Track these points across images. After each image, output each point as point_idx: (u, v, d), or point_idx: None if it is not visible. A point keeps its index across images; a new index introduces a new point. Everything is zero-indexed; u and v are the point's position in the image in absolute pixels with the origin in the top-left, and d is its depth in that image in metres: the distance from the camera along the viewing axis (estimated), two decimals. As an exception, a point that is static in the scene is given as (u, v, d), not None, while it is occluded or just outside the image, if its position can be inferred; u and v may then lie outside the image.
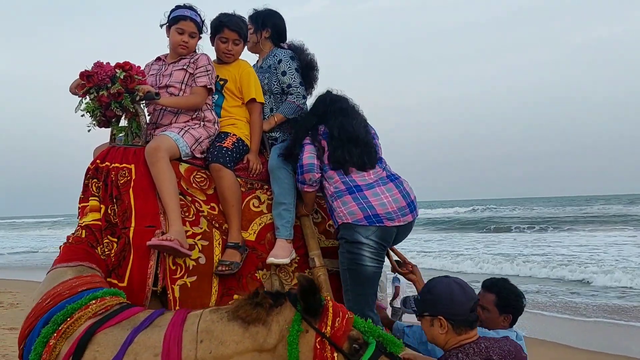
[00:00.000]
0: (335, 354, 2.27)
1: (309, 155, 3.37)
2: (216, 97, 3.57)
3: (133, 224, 2.96)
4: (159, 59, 3.60)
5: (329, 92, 3.64)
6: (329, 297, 2.46)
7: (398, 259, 3.72)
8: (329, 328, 2.30)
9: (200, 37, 3.51)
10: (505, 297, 3.04)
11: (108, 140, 3.35)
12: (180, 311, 2.50)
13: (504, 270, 13.51)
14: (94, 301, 2.53)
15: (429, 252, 17.98)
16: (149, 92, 3.13)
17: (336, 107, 3.52)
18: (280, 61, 3.74)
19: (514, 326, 3.08)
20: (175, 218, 2.99)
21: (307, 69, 3.82)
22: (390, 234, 3.30)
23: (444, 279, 2.58)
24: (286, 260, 3.27)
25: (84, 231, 2.98)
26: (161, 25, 3.50)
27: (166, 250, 2.92)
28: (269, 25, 3.85)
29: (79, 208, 3.12)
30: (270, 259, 3.24)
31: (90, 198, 3.07)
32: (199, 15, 3.47)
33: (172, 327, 2.37)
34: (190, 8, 3.46)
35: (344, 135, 3.39)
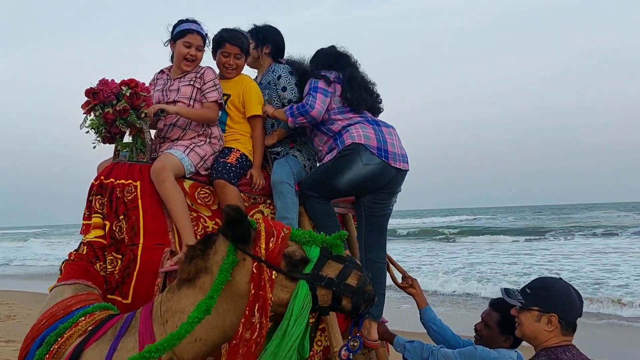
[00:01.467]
0: (274, 275, 2.25)
1: (322, 102, 3.48)
2: (220, 113, 3.58)
3: (141, 241, 2.96)
4: (162, 72, 3.61)
5: (333, 47, 3.75)
6: (260, 219, 2.42)
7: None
8: (263, 250, 2.27)
9: (204, 51, 3.52)
10: (508, 319, 3.05)
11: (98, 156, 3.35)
12: (147, 306, 2.49)
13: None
14: (83, 318, 2.52)
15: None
16: (157, 111, 3.16)
17: (344, 60, 3.68)
18: (279, 77, 3.77)
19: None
20: (188, 235, 3.01)
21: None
22: (387, 175, 3.45)
23: (560, 280, 2.62)
24: None
25: (85, 247, 2.98)
26: (166, 41, 3.52)
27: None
28: (270, 41, 3.89)
29: (82, 225, 3.12)
30: None
31: (93, 215, 3.07)
32: (203, 28, 3.49)
33: (142, 322, 2.38)
34: (194, 22, 3.48)
35: (362, 83, 3.61)
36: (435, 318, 3.49)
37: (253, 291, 2.22)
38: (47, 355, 2.41)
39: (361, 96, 3.56)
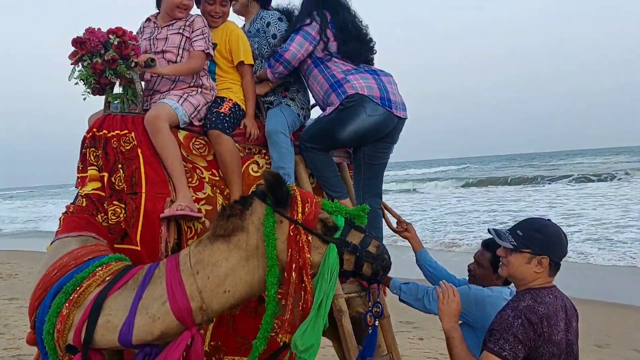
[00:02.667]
0: (310, 237, 2.44)
1: (298, 44, 3.45)
2: (208, 63, 3.50)
3: (144, 190, 2.96)
4: (149, 20, 3.50)
5: None
6: (294, 186, 2.60)
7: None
8: (300, 214, 2.45)
9: None
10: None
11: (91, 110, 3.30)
12: (171, 258, 2.58)
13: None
14: (100, 268, 2.57)
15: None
16: (147, 60, 3.07)
17: (334, 1, 3.56)
18: (268, 24, 3.68)
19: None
20: (182, 184, 3.03)
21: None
22: (390, 124, 3.48)
23: (550, 222, 2.62)
24: None
25: (84, 200, 2.97)
26: None
27: (179, 218, 2.97)
28: None
29: (77, 178, 3.09)
30: None
31: (89, 168, 3.04)
32: None
33: (170, 273, 2.47)
34: None
35: (353, 31, 3.52)
36: (431, 260, 3.54)
37: (291, 251, 2.41)
38: (67, 303, 2.45)
39: (356, 47, 3.52)
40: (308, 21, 3.47)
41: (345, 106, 3.38)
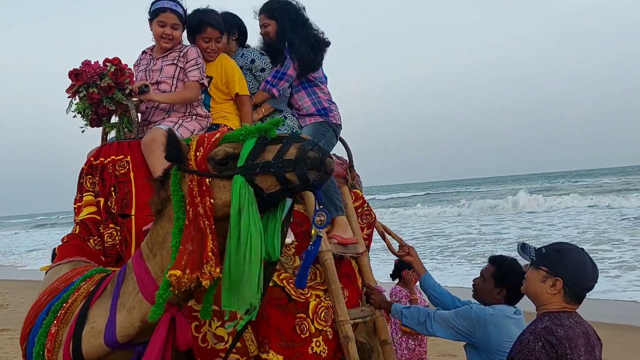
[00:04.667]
0: (207, 181, 2.23)
1: (294, 66, 3.81)
2: (203, 96, 3.56)
3: (134, 212, 2.99)
4: (144, 52, 3.57)
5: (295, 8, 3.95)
6: (200, 135, 2.41)
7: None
8: (192, 161, 2.26)
9: (184, 28, 3.47)
10: (502, 272, 3.14)
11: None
12: (136, 251, 2.54)
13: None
14: (83, 282, 2.57)
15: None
16: (141, 86, 3.12)
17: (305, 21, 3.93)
18: (253, 61, 3.87)
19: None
20: None
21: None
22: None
23: (581, 250, 2.56)
24: (289, 240, 3.34)
25: (77, 227, 3.01)
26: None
27: None
28: (235, 27, 3.95)
29: (74, 209, 3.13)
30: None
31: (84, 194, 3.08)
32: (180, 5, 3.41)
33: (136, 265, 2.43)
34: (171, 1, 3.39)
35: (315, 43, 3.92)
36: (435, 284, 3.56)
37: (189, 199, 2.24)
38: (55, 322, 2.44)
39: (317, 62, 3.96)
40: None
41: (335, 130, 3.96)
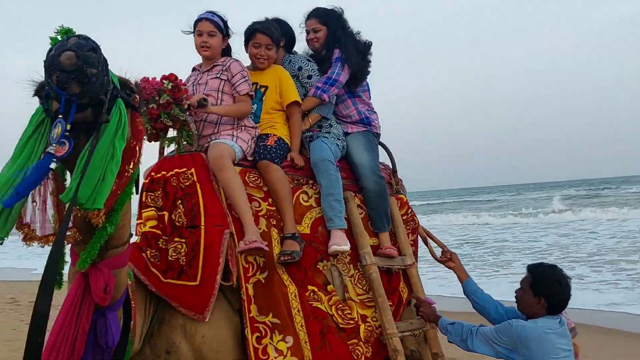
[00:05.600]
0: None
1: (345, 71, 3.87)
2: (255, 106, 3.63)
3: (203, 223, 3.01)
4: (194, 69, 3.68)
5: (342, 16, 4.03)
6: None
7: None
8: None
9: (224, 37, 3.54)
10: (540, 280, 3.11)
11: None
12: None
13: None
14: None
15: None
16: (200, 99, 3.22)
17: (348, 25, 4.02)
18: (300, 68, 3.92)
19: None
20: (249, 219, 3.11)
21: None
22: None
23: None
24: (347, 247, 3.40)
25: (139, 237, 3.05)
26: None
27: (252, 253, 3.06)
28: (284, 34, 3.98)
29: (136, 225, 3.17)
30: (334, 247, 3.36)
31: (143, 211, 3.11)
32: (216, 15, 3.50)
33: None
34: (206, 12, 3.51)
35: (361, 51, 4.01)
36: (477, 290, 3.56)
37: None
38: None
39: (366, 69, 4.02)
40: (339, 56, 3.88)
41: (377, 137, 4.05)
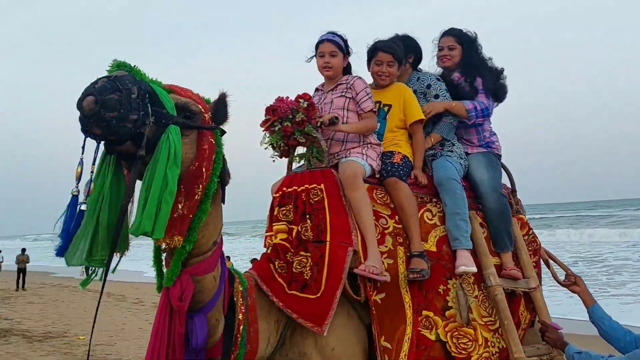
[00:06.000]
0: None
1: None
2: (378, 125, 3.67)
3: (329, 238, 3.07)
4: (317, 89, 3.79)
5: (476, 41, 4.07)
6: None
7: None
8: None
9: (345, 56, 3.61)
10: None
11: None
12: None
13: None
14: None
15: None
16: (331, 118, 3.32)
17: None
18: (429, 86, 3.90)
19: None
20: (372, 243, 3.14)
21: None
22: None
23: None
24: (475, 269, 3.37)
25: (270, 248, 3.19)
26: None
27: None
28: (412, 50, 3.99)
29: (265, 238, 3.36)
30: (462, 268, 3.34)
31: (274, 224, 3.25)
32: (337, 35, 3.59)
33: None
34: (329, 33, 3.60)
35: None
36: (604, 316, 3.40)
37: None
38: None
39: (504, 97, 4.11)
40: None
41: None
